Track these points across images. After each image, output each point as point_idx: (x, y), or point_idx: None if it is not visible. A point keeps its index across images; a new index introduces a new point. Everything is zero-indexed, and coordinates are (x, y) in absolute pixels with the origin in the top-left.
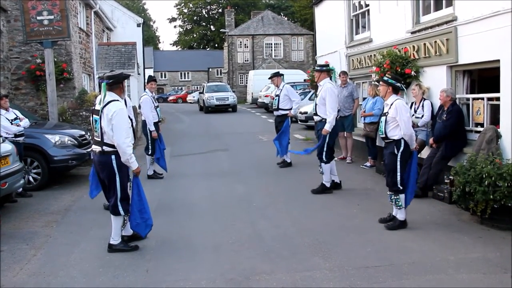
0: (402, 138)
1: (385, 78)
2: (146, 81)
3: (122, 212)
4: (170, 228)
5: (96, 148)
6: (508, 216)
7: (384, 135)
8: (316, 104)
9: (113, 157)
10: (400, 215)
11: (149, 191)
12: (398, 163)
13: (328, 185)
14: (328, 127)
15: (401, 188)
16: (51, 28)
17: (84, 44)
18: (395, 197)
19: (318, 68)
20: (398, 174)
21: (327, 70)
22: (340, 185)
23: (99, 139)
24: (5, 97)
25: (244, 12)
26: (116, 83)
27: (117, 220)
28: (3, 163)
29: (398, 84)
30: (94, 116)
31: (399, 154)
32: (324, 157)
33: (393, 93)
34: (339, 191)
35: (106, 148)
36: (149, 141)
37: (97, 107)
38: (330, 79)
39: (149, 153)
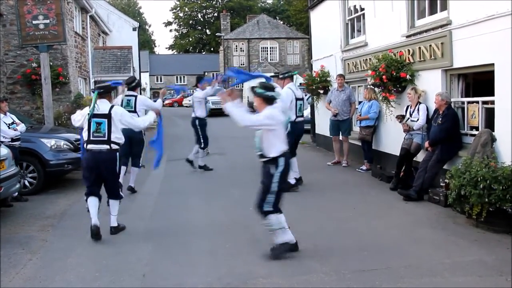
0: (281, 155)
1: (256, 89)
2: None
3: (122, 195)
4: (166, 232)
5: (102, 146)
6: (504, 219)
7: (261, 153)
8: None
9: (117, 154)
10: (278, 238)
11: (146, 195)
12: (276, 184)
13: (292, 182)
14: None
15: (269, 209)
16: (46, 32)
17: (80, 48)
18: (266, 222)
19: (281, 76)
20: (270, 195)
21: (289, 76)
22: (300, 180)
23: (106, 139)
24: (5, 100)
25: (239, 16)
26: (106, 92)
27: (117, 203)
28: None
29: (269, 94)
30: (96, 119)
31: (278, 173)
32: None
33: (266, 104)
34: (336, 194)
35: (113, 146)
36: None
37: (99, 111)
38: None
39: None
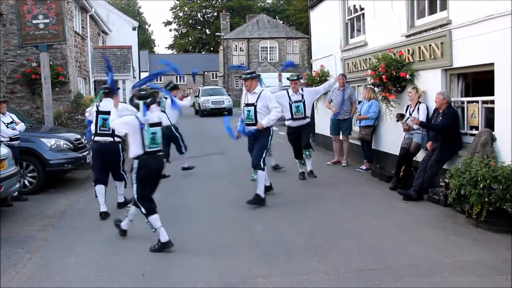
0: (136, 157)
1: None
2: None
3: (125, 178)
4: (166, 231)
5: (107, 139)
6: (504, 218)
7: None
8: (256, 112)
9: (120, 145)
10: (161, 236)
11: None
12: (134, 185)
13: (263, 195)
14: (265, 123)
15: (143, 213)
16: (46, 32)
17: (80, 47)
18: (146, 221)
19: (248, 76)
20: (134, 194)
21: (257, 76)
22: (271, 187)
23: (110, 132)
24: (4, 102)
25: (239, 16)
26: (111, 93)
27: (122, 184)
28: None
29: (135, 102)
30: (103, 115)
31: (133, 175)
32: (262, 163)
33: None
34: (335, 194)
35: (116, 139)
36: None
37: (104, 109)
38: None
39: (183, 150)
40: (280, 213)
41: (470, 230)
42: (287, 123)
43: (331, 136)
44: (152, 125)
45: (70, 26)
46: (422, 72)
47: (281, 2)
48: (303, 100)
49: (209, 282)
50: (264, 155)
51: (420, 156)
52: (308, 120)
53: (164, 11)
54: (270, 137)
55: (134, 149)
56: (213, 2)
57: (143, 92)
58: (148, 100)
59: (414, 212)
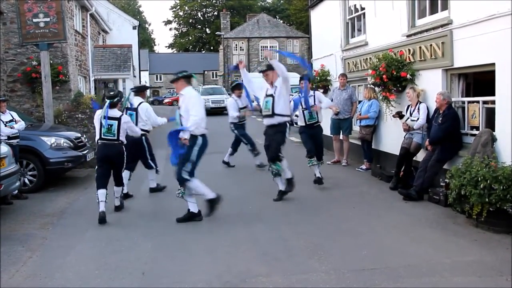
0: (97, 142)
1: None
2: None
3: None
4: (165, 230)
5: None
6: (504, 219)
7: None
8: (180, 115)
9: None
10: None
11: (145, 194)
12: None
13: (196, 210)
14: (186, 135)
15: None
16: (47, 31)
17: (80, 46)
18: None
19: (175, 77)
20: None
21: (184, 77)
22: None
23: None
24: (4, 101)
25: (239, 15)
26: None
27: (125, 174)
28: None
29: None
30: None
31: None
32: (185, 176)
33: None
34: (335, 194)
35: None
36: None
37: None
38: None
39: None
40: (279, 213)
41: (470, 231)
42: None
43: (331, 135)
44: (110, 118)
45: (71, 24)
46: (422, 72)
47: (281, 1)
48: (273, 95)
49: (209, 281)
50: (183, 167)
51: (420, 156)
52: (280, 120)
53: (164, 10)
54: (194, 148)
55: (96, 136)
56: (214, 1)
57: (112, 93)
58: (115, 99)
59: (414, 212)
